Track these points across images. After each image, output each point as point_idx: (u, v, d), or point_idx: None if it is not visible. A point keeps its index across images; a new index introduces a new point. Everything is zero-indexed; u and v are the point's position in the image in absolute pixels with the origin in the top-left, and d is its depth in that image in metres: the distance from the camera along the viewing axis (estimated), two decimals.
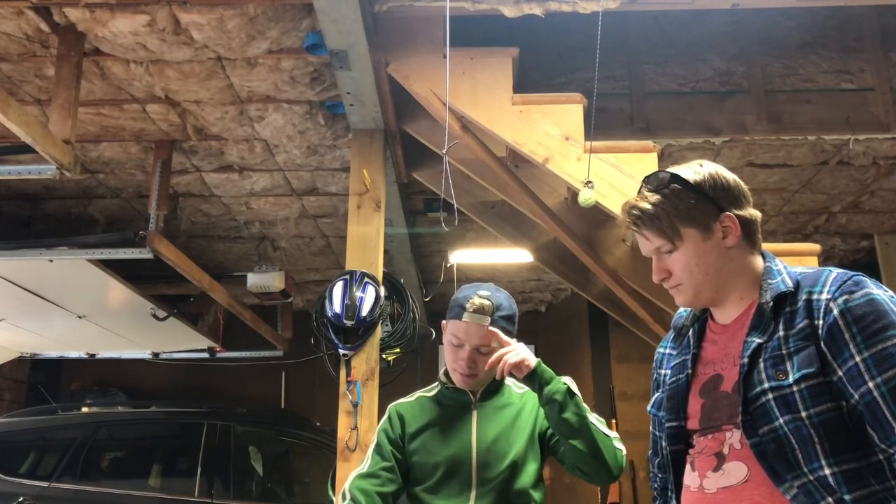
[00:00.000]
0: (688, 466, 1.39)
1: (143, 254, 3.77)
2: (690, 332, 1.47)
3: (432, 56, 3.01)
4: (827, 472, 1.18)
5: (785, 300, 1.30)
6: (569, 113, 3.01)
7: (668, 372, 1.50)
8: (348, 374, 3.02)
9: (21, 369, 6.67)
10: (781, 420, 1.22)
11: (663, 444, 1.48)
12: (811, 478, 1.19)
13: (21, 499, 4.24)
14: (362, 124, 3.38)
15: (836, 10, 3.69)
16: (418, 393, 2.02)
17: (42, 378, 6.69)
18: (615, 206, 2.89)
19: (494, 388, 1.96)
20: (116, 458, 5.09)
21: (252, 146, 3.92)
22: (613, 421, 6.16)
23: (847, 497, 1.17)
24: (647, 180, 1.40)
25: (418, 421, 1.92)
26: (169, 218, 4.15)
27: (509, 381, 2.00)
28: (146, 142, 3.87)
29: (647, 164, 2.96)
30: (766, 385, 1.25)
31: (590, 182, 2.84)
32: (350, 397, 2.97)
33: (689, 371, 1.42)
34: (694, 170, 1.38)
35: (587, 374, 6.41)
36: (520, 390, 2.00)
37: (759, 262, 1.38)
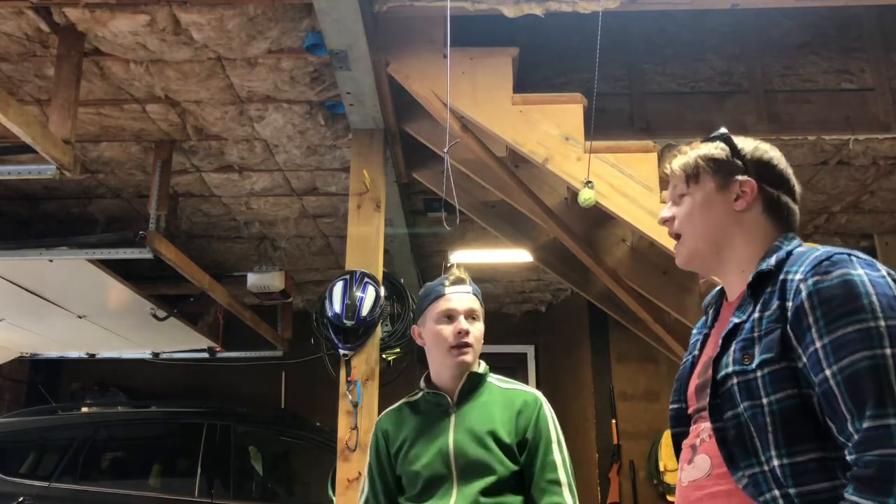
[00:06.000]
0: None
1: (143, 254, 3.77)
2: (710, 312, 1.42)
3: (432, 56, 3.02)
4: (776, 463, 1.12)
5: (766, 280, 1.24)
6: (569, 113, 3.01)
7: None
8: (348, 374, 3.02)
9: (21, 369, 6.67)
10: (742, 406, 1.17)
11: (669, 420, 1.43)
12: (765, 468, 1.14)
13: (21, 499, 4.24)
14: (362, 124, 3.38)
15: (836, 10, 3.68)
16: (403, 399, 2.01)
17: (42, 378, 6.69)
18: (615, 206, 2.89)
19: (472, 386, 1.91)
20: (116, 458, 5.08)
21: (252, 146, 3.92)
22: (613, 421, 6.17)
23: (792, 491, 1.10)
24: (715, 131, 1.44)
25: (400, 432, 1.90)
26: (169, 218, 4.15)
27: (493, 377, 1.96)
28: (146, 142, 3.87)
29: (647, 164, 2.96)
30: (731, 369, 1.20)
31: (590, 182, 2.85)
32: (350, 397, 2.97)
33: (697, 352, 1.38)
34: (747, 141, 1.39)
35: (587, 374, 6.42)
36: (504, 385, 1.95)
37: (771, 239, 1.33)
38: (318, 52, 2.97)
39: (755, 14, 3.70)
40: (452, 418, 1.87)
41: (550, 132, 2.97)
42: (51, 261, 3.74)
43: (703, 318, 1.45)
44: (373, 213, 3.27)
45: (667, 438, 6.01)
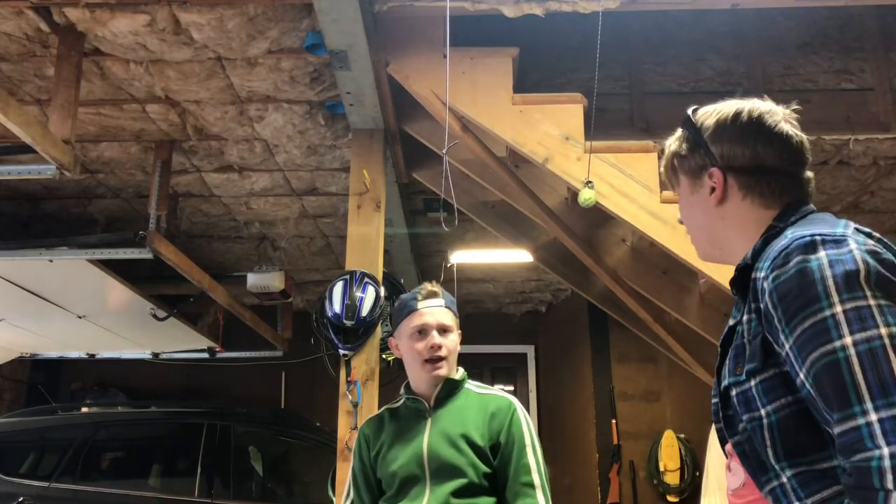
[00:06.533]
0: None
1: (143, 254, 3.77)
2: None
3: (432, 56, 3.01)
4: (788, 475, 1.05)
5: (749, 273, 1.13)
6: (569, 113, 3.01)
7: None
8: (348, 374, 3.02)
9: (21, 369, 6.67)
10: (744, 419, 1.10)
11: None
12: (782, 481, 1.06)
13: (21, 499, 4.24)
14: (362, 124, 3.38)
15: (836, 9, 3.68)
16: (385, 406, 2.08)
17: (42, 378, 6.69)
18: (615, 206, 2.89)
19: (449, 390, 1.98)
20: (116, 458, 5.09)
21: (252, 146, 3.92)
22: (613, 421, 6.16)
23: (808, 502, 1.02)
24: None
25: (380, 436, 1.97)
26: (169, 218, 4.15)
27: (471, 384, 2.03)
28: (146, 142, 3.87)
29: (647, 164, 2.95)
30: (728, 381, 1.13)
31: (590, 182, 2.84)
32: (350, 397, 2.97)
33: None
34: (714, 110, 1.24)
35: (587, 374, 6.42)
36: (480, 390, 2.01)
37: (770, 218, 1.19)
38: (318, 52, 2.96)
39: (755, 14, 3.70)
40: (428, 422, 1.94)
41: (550, 132, 2.97)
42: (51, 261, 3.74)
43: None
44: (373, 213, 3.27)
45: (667, 439, 6.01)
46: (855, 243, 1.02)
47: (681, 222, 1.34)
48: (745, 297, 1.14)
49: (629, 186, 2.89)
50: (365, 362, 3.06)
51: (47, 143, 2.72)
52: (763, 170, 1.19)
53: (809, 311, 0.98)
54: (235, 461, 4.78)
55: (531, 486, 1.83)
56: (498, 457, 1.87)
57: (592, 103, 2.91)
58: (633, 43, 3.84)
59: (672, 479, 5.91)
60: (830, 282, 0.98)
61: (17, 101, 2.82)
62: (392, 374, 3.47)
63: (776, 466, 1.06)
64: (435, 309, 1.98)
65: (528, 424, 1.92)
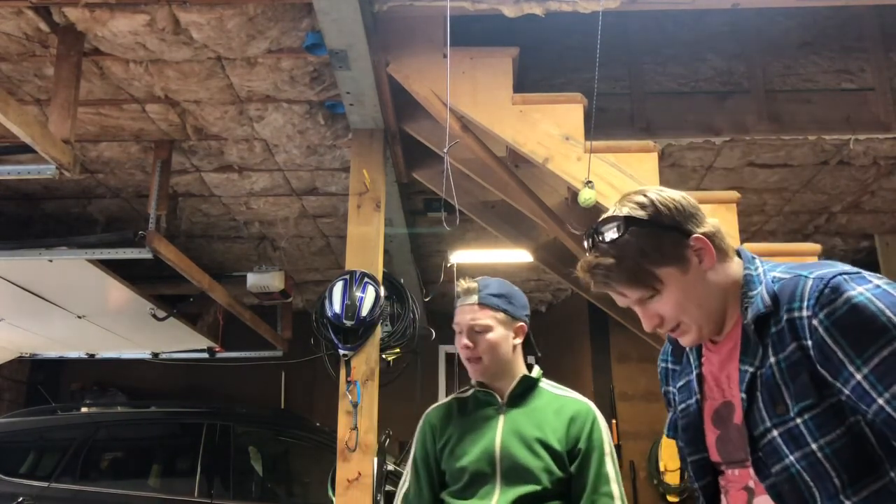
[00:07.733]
0: (723, 495, 1.32)
1: (143, 254, 3.77)
2: (688, 348, 1.37)
3: (432, 56, 3.01)
4: (852, 500, 1.11)
5: (767, 320, 1.20)
6: (569, 113, 3.01)
7: (676, 392, 1.41)
8: (348, 375, 3.01)
9: (21, 369, 6.68)
10: (792, 458, 1.15)
11: (691, 474, 1.38)
12: None
13: (21, 499, 4.24)
14: (362, 124, 3.37)
15: (837, 9, 3.68)
16: (454, 395, 2.03)
17: (42, 378, 6.70)
18: None
19: (524, 389, 1.93)
20: (116, 459, 5.08)
21: (252, 146, 3.91)
22: (614, 421, 6.17)
23: None
24: (597, 232, 1.27)
25: (447, 427, 1.92)
26: (169, 218, 4.15)
27: (546, 383, 1.97)
28: (146, 142, 3.87)
29: (648, 164, 2.95)
30: (769, 423, 1.18)
31: (590, 182, 2.84)
32: (350, 397, 2.97)
33: (698, 396, 1.34)
34: (641, 204, 1.26)
35: (587, 374, 6.42)
36: (559, 391, 1.96)
37: (735, 268, 1.28)
38: (317, 51, 2.96)
39: (756, 14, 3.70)
40: (501, 419, 1.88)
41: (550, 132, 2.97)
42: (51, 261, 3.74)
43: (679, 353, 1.40)
44: (373, 213, 3.27)
45: (667, 439, 6.00)
46: (873, 277, 1.14)
47: (654, 328, 1.29)
48: (762, 339, 1.20)
49: (629, 186, 2.88)
50: (365, 362, 3.06)
51: (47, 143, 2.72)
52: (715, 231, 1.28)
53: (883, 340, 1.08)
54: (235, 461, 4.78)
55: (610, 496, 1.79)
56: (576, 463, 1.82)
57: (592, 103, 2.91)
58: (633, 43, 3.84)
59: (672, 479, 5.91)
60: (889, 312, 1.09)
61: (17, 101, 2.81)
62: (392, 373, 3.47)
63: (837, 499, 1.11)
64: (466, 307, 1.93)
65: (607, 433, 1.88)
